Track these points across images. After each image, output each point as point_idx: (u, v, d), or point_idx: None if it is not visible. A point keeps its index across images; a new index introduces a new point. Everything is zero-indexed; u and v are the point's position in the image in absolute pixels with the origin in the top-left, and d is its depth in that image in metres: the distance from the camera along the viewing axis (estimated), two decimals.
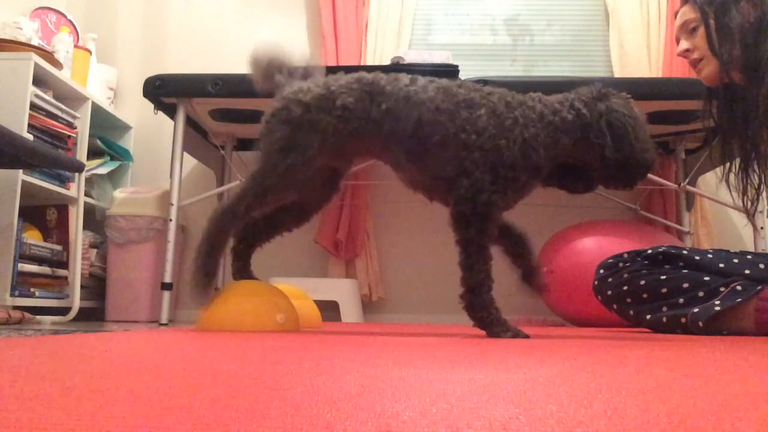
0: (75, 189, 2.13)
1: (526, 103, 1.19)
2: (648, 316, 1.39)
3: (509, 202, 1.19)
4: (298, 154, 1.17)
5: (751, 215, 1.39)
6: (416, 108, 1.15)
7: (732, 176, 1.40)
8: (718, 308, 1.26)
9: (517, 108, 1.17)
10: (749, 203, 1.38)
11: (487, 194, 1.13)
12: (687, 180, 2.20)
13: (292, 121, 1.17)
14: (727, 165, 1.43)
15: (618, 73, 2.56)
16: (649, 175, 2.12)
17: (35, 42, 2.16)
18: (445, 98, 1.16)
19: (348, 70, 1.97)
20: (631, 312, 1.43)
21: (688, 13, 1.35)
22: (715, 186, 2.57)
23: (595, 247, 2.00)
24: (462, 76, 1.98)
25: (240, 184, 1.23)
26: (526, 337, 1.12)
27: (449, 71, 1.97)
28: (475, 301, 1.13)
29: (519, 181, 1.16)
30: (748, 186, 1.37)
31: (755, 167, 1.35)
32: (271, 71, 1.29)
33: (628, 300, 1.42)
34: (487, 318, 1.13)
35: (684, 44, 1.37)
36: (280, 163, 1.17)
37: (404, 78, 1.20)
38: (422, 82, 1.19)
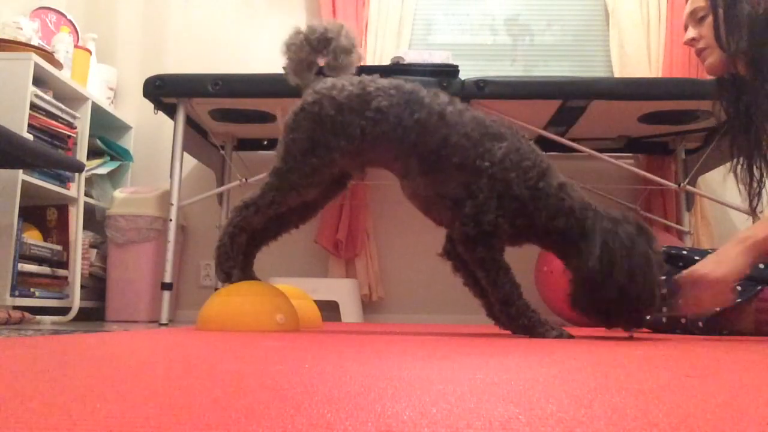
0: (75, 189, 2.12)
1: (551, 166, 1.17)
2: (648, 317, 1.39)
3: (515, 232, 1.16)
4: (323, 155, 1.17)
5: (752, 210, 1.37)
6: (447, 127, 1.16)
7: (739, 168, 1.38)
8: (717, 308, 1.26)
9: (543, 159, 1.16)
10: (753, 197, 1.36)
11: (492, 216, 1.13)
12: (687, 180, 2.20)
13: (322, 120, 1.17)
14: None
15: (618, 73, 2.56)
16: (649, 175, 2.14)
17: (35, 42, 2.16)
18: (475, 127, 1.16)
19: None
20: None
21: (698, 0, 1.32)
22: (715, 186, 2.58)
23: None
24: (462, 76, 1.98)
25: (264, 180, 1.23)
26: (571, 337, 1.11)
27: (449, 71, 1.97)
28: (511, 311, 1.13)
29: (522, 217, 1.14)
30: (753, 180, 1.35)
31: (758, 162, 1.34)
32: (306, 59, 1.26)
33: None
34: (528, 323, 1.13)
35: (691, 33, 1.33)
36: (305, 161, 1.18)
37: (443, 96, 1.20)
38: (460, 107, 1.19)
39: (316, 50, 1.26)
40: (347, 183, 1.36)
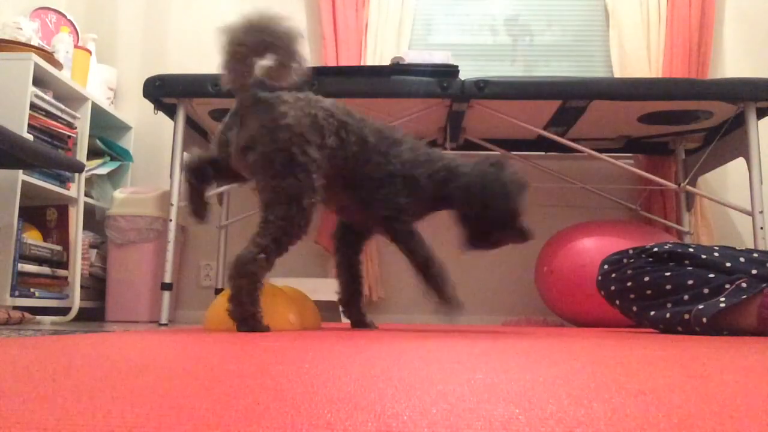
0: (75, 189, 2.13)
1: (431, 151, 1.42)
2: (652, 313, 1.39)
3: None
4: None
5: None
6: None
7: None
8: (722, 305, 1.25)
9: (428, 151, 1.41)
10: None
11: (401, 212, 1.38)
12: (687, 180, 2.20)
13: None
14: None
15: (618, 73, 2.57)
16: (649, 175, 2.14)
17: (35, 42, 2.16)
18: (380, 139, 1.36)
19: (348, 70, 1.97)
20: (634, 308, 1.42)
21: None
22: (715, 186, 2.58)
23: (595, 248, 2.00)
24: (462, 76, 1.98)
25: None
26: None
27: (449, 71, 1.97)
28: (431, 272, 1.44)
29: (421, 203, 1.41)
30: None
31: None
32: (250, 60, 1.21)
33: (632, 296, 1.41)
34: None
35: None
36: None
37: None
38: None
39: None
40: None
